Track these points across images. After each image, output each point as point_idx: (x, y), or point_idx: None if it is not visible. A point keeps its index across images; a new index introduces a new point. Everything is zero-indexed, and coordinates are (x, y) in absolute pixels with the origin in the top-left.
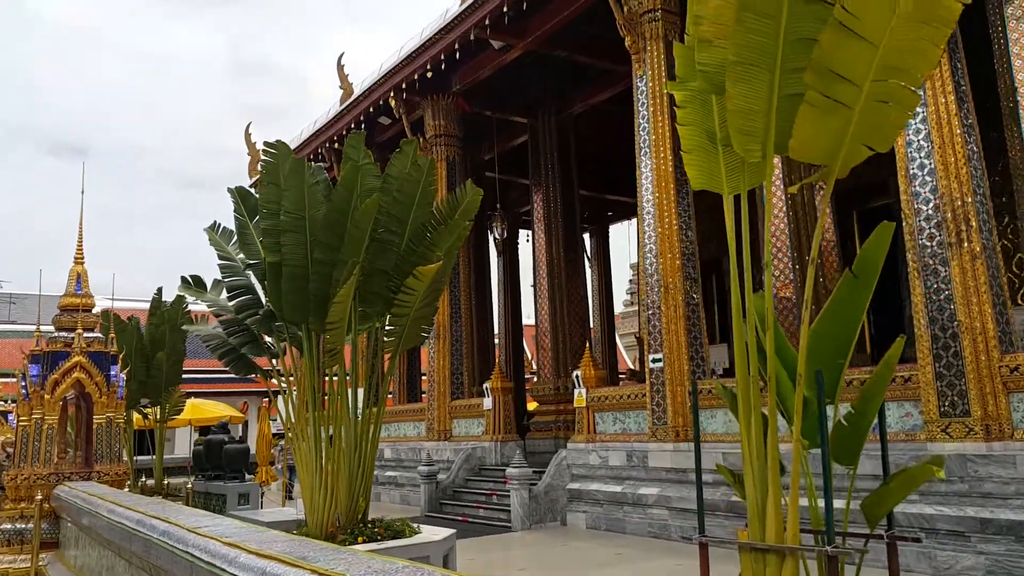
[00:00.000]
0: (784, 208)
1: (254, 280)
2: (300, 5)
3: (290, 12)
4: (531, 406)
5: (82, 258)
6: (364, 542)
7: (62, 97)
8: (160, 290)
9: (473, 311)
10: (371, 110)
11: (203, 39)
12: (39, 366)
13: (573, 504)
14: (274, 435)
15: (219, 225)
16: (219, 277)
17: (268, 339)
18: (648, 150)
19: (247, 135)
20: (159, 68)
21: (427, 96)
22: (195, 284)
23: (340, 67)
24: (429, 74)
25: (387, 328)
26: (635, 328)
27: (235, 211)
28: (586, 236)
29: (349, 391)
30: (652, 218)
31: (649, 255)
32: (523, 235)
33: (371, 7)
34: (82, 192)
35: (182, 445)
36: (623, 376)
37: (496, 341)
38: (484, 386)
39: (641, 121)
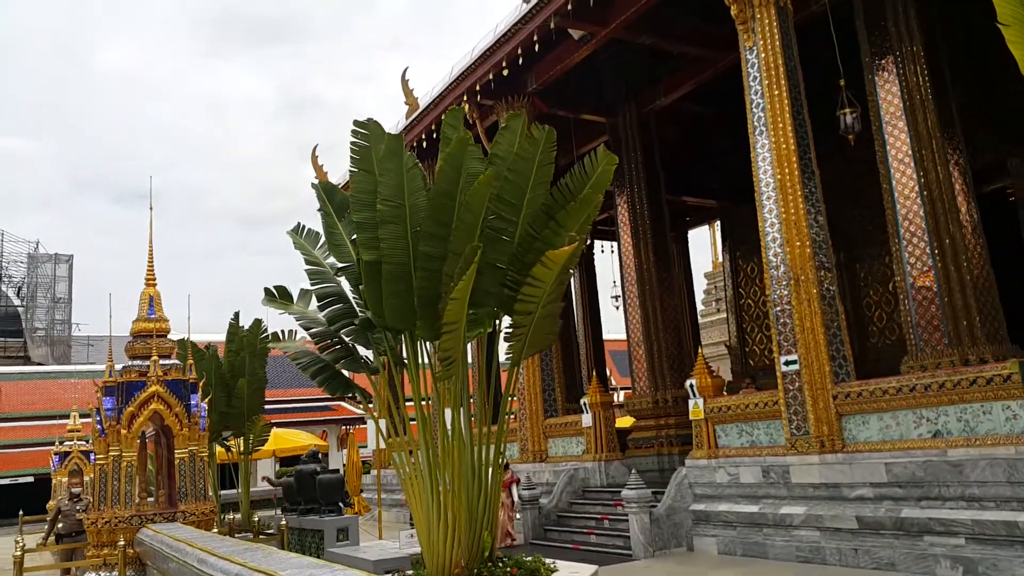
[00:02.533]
0: (916, 187)
1: (346, 287)
2: (344, 40)
3: (334, 47)
4: (624, 422)
5: (153, 280)
6: None
7: (124, 146)
8: (237, 315)
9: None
10: (443, 118)
11: (251, 79)
12: (113, 399)
13: (699, 527)
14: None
15: (303, 227)
16: (306, 286)
17: (365, 352)
18: (764, 128)
19: (314, 158)
20: (211, 111)
21: (501, 98)
22: (280, 295)
23: (404, 81)
24: (505, 71)
25: (507, 331)
26: (714, 338)
27: (320, 210)
28: None
29: (458, 408)
30: (774, 203)
31: (773, 244)
32: (597, 246)
33: (414, 36)
34: (151, 208)
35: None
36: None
37: (580, 357)
38: (582, 402)
39: (754, 97)
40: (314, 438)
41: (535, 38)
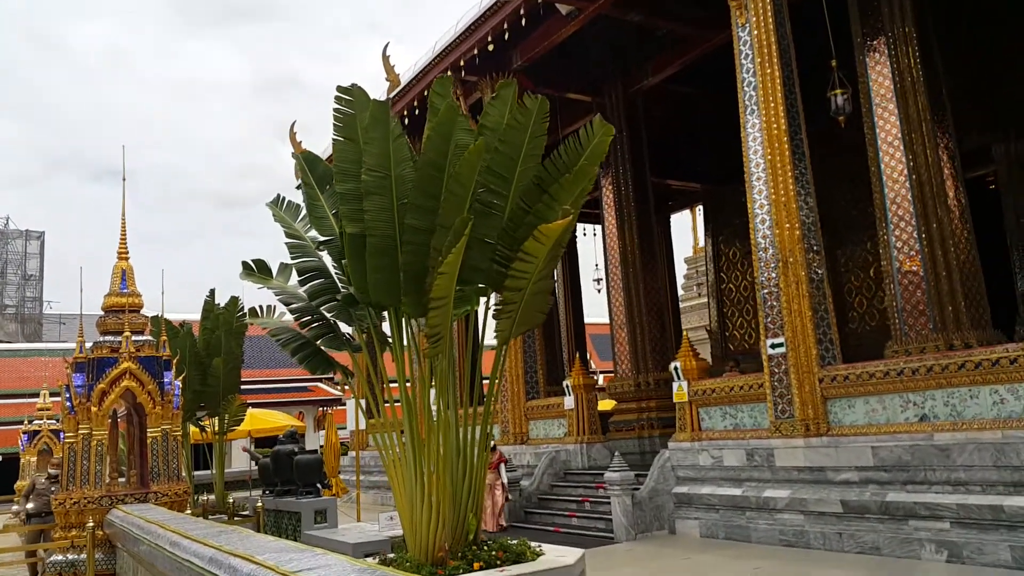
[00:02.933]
0: (904, 171)
1: (328, 262)
2: (320, 19)
3: (310, 27)
4: (605, 405)
5: (126, 253)
6: (481, 568)
7: (98, 125)
8: (212, 292)
9: None
10: (425, 94)
11: (226, 59)
12: (83, 375)
13: (682, 510)
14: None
15: (283, 199)
16: (287, 261)
17: (347, 330)
18: (755, 107)
19: (292, 134)
20: (185, 90)
21: (485, 75)
22: (259, 269)
23: (386, 58)
24: (491, 47)
25: (496, 308)
26: (693, 323)
27: (302, 181)
28: None
29: (444, 388)
30: (764, 184)
31: (761, 226)
32: (580, 229)
33: (392, 17)
34: (123, 179)
35: (239, 458)
36: None
37: (562, 340)
38: (565, 384)
39: (745, 75)
40: (291, 419)
41: (522, 12)
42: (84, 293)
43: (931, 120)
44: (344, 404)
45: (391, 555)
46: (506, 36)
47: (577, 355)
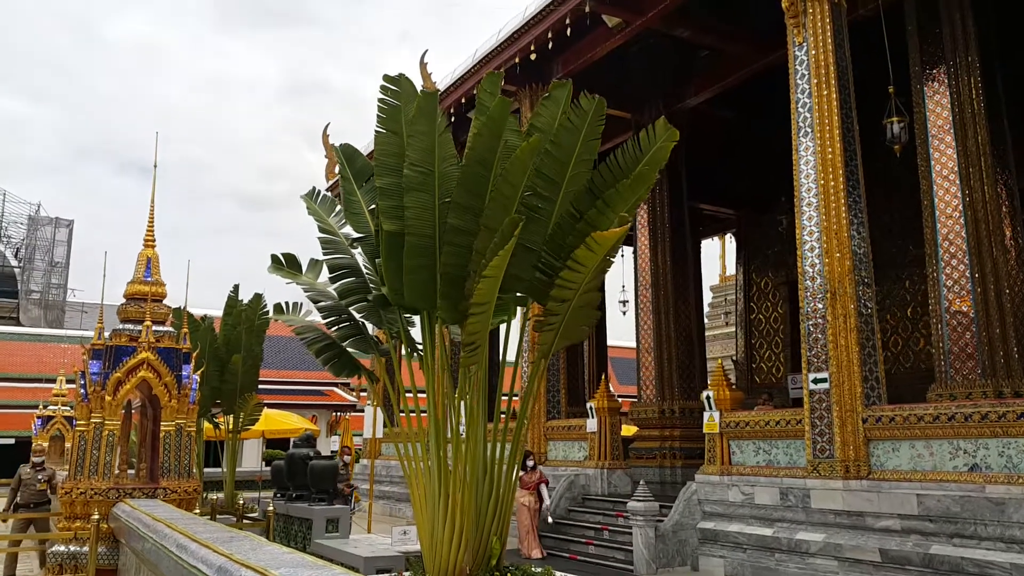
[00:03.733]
0: (959, 207)
1: (361, 261)
2: (353, 26)
3: (343, 33)
4: (625, 431)
5: (153, 240)
6: None
7: (129, 116)
8: (236, 287)
9: None
10: (463, 101)
11: (257, 60)
12: (100, 363)
13: (706, 547)
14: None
15: (318, 192)
16: (318, 257)
17: (375, 333)
18: (810, 130)
19: (325, 136)
20: (218, 88)
21: (525, 86)
22: (288, 263)
23: (423, 65)
24: (533, 55)
25: (538, 319)
26: (715, 352)
27: (340, 175)
28: None
29: (477, 399)
30: (815, 210)
31: (810, 254)
32: None
33: (425, 27)
34: (155, 165)
35: (250, 458)
36: None
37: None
38: (588, 406)
39: (800, 96)
40: (306, 421)
41: (568, 21)
42: (106, 282)
43: (990, 154)
44: (361, 410)
45: (407, 574)
46: (550, 46)
47: (603, 376)
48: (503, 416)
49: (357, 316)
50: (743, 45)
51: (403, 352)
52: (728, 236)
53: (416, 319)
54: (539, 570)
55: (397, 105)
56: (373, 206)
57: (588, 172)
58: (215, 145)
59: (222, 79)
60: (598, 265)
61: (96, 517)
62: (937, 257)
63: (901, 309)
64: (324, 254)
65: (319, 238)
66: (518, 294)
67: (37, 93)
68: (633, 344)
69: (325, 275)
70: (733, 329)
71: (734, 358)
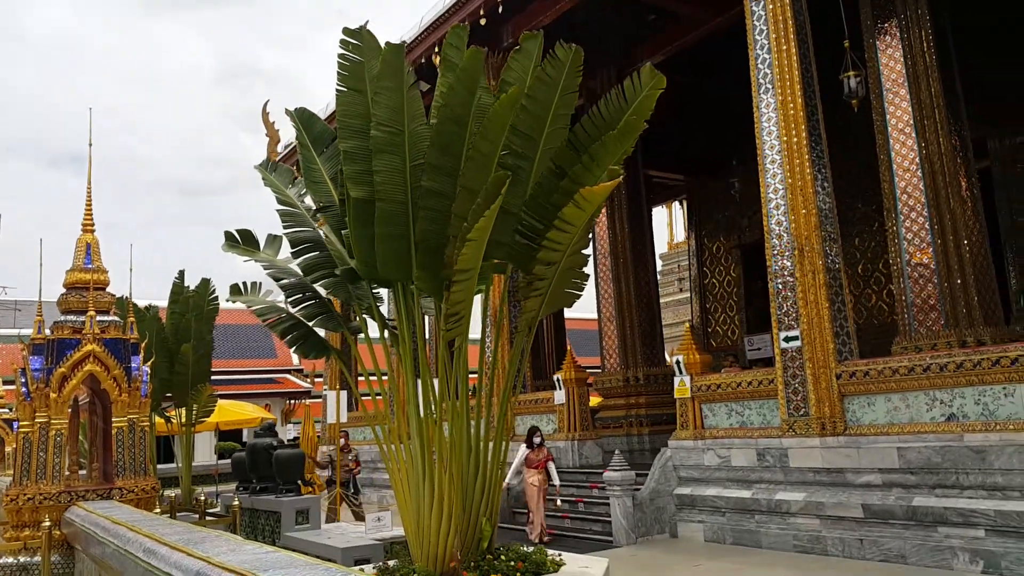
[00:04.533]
0: (916, 159)
1: (324, 233)
2: (284, 7)
3: (274, 14)
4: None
5: (92, 224)
6: None
7: (56, 110)
8: (182, 273)
9: None
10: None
11: (189, 45)
12: (42, 358)
13: (684, 512)
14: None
15: (273, 163)
16: (277, 233)
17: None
18: (771, 86)
19: (265, 115)
20: (148, 77)
21: None
22: (243, 240)
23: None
24: (483, 20)
25: (524, 284)
26: (668, 319)
27: (296, 141)
28: None
29: (460, 374)
30: (778, 167)
31: (775, 212)
32: None
33: (359, 9)
34: (90, 144)
35: (202, 452)
36: None
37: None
38: (555, 378)
39: (760, 52)
40: (262, 411)
41: None
42: (43, 280)
43: (944, 107)
44: (317, 396)
45: (392, 562)
46: (500, 9)
47: (570, 348)
48: (480, 392)
49: (323, 292)
50: (694, 5)
51: (375, 328)
52: (676, 203)
53: (384, 293)
54: (531, 550)
55: (360, 61)
56: (336, 173)
57: (566, 128)
58: (149, 135)
59: (152, 67)
60: (586, 224)
61: (47, 524)
62: (896, 210)
63: (852, 267)
64: (284, 228)
65: (278, 210)
66: (496, 261)
67: None
68: (586, 316)
69: (285, 251)
70: (686, 295)
71: (690, 323)
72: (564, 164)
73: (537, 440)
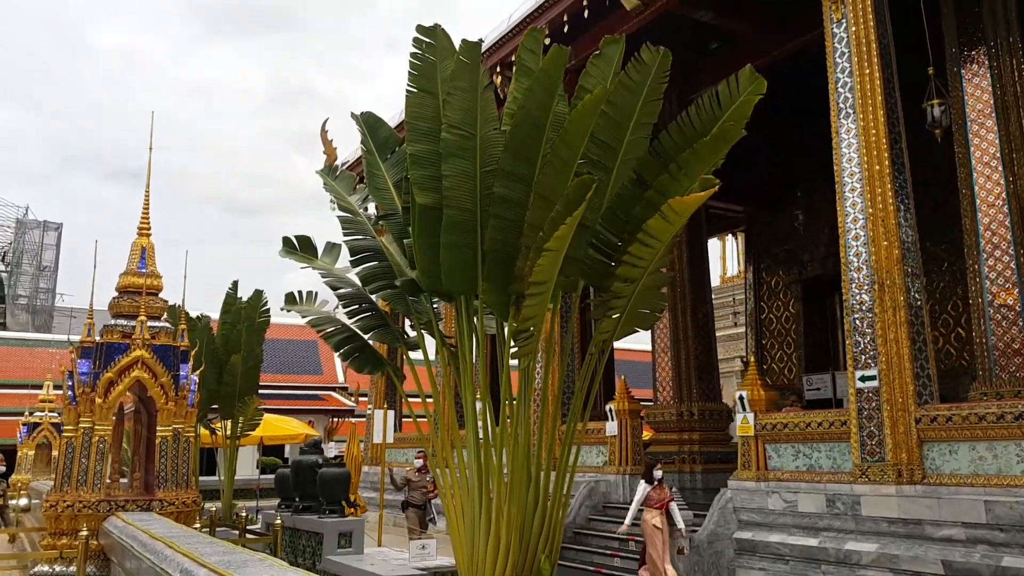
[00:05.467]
0: (1003, 194)
1: (384, 242)
2: (340, 35)
3: (329, 42)
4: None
5: (148, 228)
6: None
7: (115, 125)
8: (235, 284)
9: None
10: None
11: (243, 67)
12: (90, 362)
13: (744, 558)
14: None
15: (336, 167)
16: (337, 241)
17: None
18: (851, 110)
19: (323, 132)
20: (204, 96)
21: None
22: (301, 246)
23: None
24: (547, 40)
25: (599, 302)
26: (721, 354)
27: (361, 144)
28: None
29: (529, 399)
30: (859, 196)
31: (855, 243)
32: None
33: (411, 32)
34: (150, 148)
35: (244, 466)
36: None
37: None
38: (607, 408)
39: (840, 75)
40: (306, 427)
41: (584, 3)
42: (95, 289)
43: None
44: (361, 415)
45: None
46: (565, 28)
47: (623, 377)
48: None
49: (379, 305)
50: (765, 30)
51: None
52: (728, 236)
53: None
54: None
55: (432, 61)
56: (400, 180)
57: (647, 137)
58: (202, 152)
59: (208, 86)
60: (670, 240)
61: (85, 533)
62: (979, 248)
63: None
64: (344, 235)
65: (339, 217)
66: (566, 277)
67: (22, 101)
68: (636, 347)
69: (343, 261)
70: (739, 330)
71: (743, 358)
72: (648, 174)
73: (658, 475)
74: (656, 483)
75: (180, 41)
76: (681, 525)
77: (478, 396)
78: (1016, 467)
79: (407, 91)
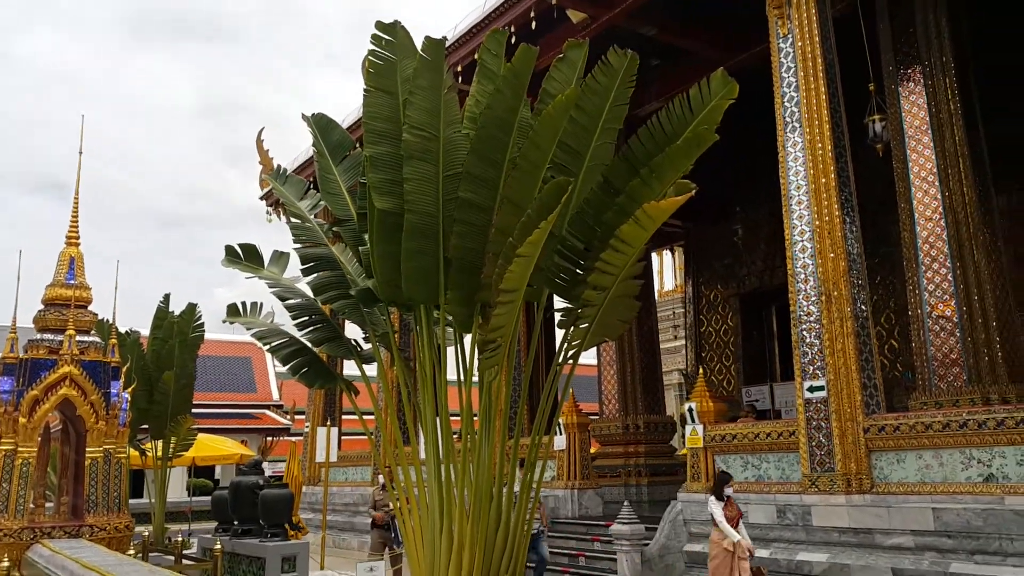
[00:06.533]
0: (940, 208)
1: (336, 252)
2: (272, 46)
3: (261, 53)
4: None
5: (77, 238)
6: None
7: (39, 137)
8: (167, 297)
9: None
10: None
11: (172, 78)
12: (12, 379)
13: (695, 571)
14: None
15: (284, 170)
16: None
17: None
18: (798, 124)
19: (259, 141)
20: (131, 107)
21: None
22: (245, 255)
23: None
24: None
25: (567, 312)
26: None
27: (313, 147)
28: None
29: (495, 413)
30: (806, 208)
31: (801, 255)
32: None
33: (348, 53)
34: (80, 152)
35: (174, 487)
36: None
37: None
38: (556, 421)
39: (787, 90)
40: (241, 447)
41: (532, 14)
42: (18, 307)
43: (968, 156)
44: (297, 434)
45: None
46: (512, 40)
47: (571, 391)
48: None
49: (333, 318)
50: (710, 44)
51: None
52: (666, 251)
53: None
54: None
55: (392, 60)
56: (354, 185)
57: (613, 143)
58: (131, 165)
59: (136, 98)
60: (642, 247)
61: (6, 564)
62: (917, 261)
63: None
64: (295, 243)
65: (289, 224)
66: (531, 286)
67: None
68: (581, 361)
69: (292, 271)
70: (678, 343)
71: (684, 371)
72: (617, 180)
73: (729, 491)
74: (727, 499)
75: (104, 49)
76: (750, 544)
77: (438, 412)
78: (961, 474)
79: (364, 91)
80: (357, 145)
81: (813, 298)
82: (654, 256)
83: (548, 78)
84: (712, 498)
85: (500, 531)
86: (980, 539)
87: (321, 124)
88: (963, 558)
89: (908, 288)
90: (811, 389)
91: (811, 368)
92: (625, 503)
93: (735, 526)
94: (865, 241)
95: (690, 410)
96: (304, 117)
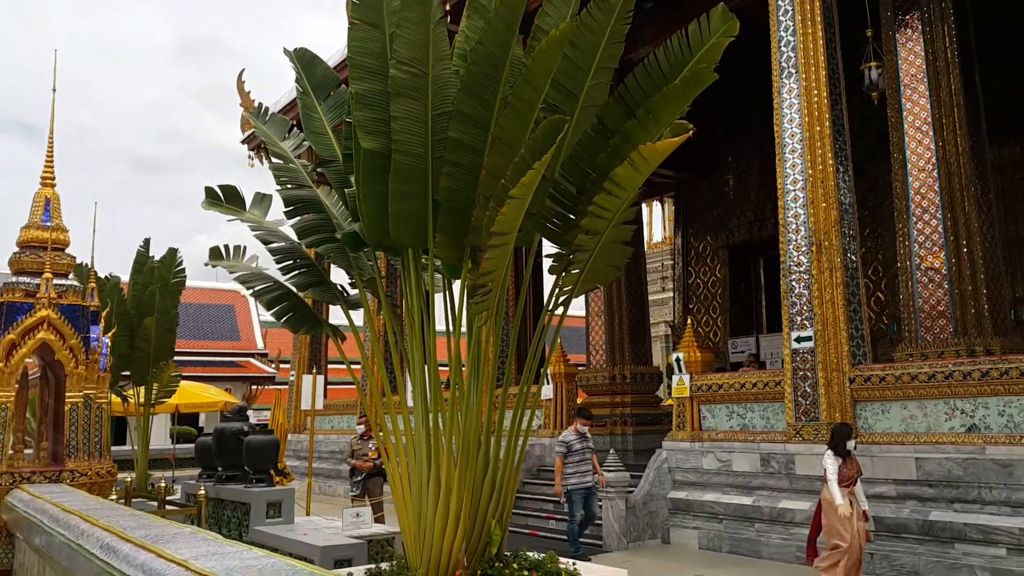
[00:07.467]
0: (933, 159)
1: (323, 193)
2: None
3: None
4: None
5: (52, 178)
6: None
7: (5, 77)
8: (147, 241)
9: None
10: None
11: (147, 16)
12: None
13: (678, 517)
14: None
15: (266, 109)
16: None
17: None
18: (794, 70)
19: (240, 83)
20: (105, 46)
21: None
22: (226, 197)
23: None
24: None
25: (559, 258)
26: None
27: (296, 84)
28: None
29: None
30: (799, 157)
31: (793, 204)
32: None
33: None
34: (54, 90)
35: (157, 435)
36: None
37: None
38: (543, 371)
39: (784, 34)
40: (224, 394)
41: None
42: None
43: (963, 106)
44: (281, 382)
45: (384, 565)
46: None
47: (559, 340)
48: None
49: (320, 260)
50: None
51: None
52: (655, 202)
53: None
54: (543, 557)
55: None
56: (339, 124)
57: (608, 83)
58: (105, 107)
59: (109, 37)
60: (637, 190)
61: None
62: (909, 212)
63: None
64: (278, 184)
65: (271, 166)
66: (522, 231)
67: None
68: (568, 313)
69: (276, 213)
70: (666, 295)
71: (671, 323)
72: (612, 121)
73: (851, 445)
74: (850, 453)
75: None
76: (866, 505)
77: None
78: (944, 424)
79: (349, 24)
80: (342, 84)
81: (804, 248)
82: (644, 207)
83: (541, 13)
84: (829, 453)
85: (488, 477)
86: (960, 488)
87: (304, 60)
88: (943, 506)
89: (898, 239)
90: (798, 339)
91: (799, 318)
92: (611, 451)
93: (852, 485)
94: (855, 192)
95: (677, 360)
96: (286, 52)
